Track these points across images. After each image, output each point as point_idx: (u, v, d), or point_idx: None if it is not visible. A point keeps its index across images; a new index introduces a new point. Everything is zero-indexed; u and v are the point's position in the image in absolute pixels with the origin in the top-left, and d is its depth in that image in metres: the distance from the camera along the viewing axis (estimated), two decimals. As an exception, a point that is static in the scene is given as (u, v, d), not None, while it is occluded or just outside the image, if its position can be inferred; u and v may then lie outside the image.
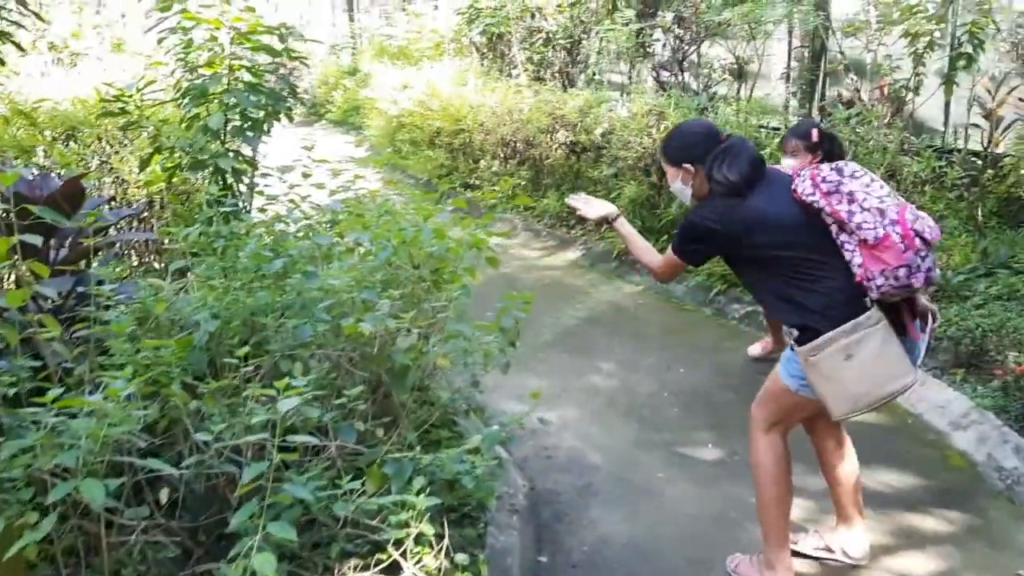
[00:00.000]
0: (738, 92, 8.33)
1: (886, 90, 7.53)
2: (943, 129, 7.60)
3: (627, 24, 7.99)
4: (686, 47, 8.85)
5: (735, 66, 8.99)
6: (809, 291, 2.73)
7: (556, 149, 8.07)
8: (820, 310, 2.71)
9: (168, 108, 4.43)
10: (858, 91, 7.03)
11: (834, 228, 2.71)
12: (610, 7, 8.43)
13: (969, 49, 7.14)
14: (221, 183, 3.91)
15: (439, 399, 3.43)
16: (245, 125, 4.00)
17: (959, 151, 6.69)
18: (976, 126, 7.18)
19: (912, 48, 7.38)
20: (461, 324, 2.95)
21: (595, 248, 7.53)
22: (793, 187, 2.80)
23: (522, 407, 4.75)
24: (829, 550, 3.24)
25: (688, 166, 2.91)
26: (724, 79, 9.17)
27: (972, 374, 4.35)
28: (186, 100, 4.01)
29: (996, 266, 5.64)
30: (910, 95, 7.58)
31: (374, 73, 13.89)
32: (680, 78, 8.87)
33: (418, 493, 2.31)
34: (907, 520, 3.52)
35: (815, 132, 4.42)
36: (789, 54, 8.97)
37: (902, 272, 2.58)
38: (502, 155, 9.07)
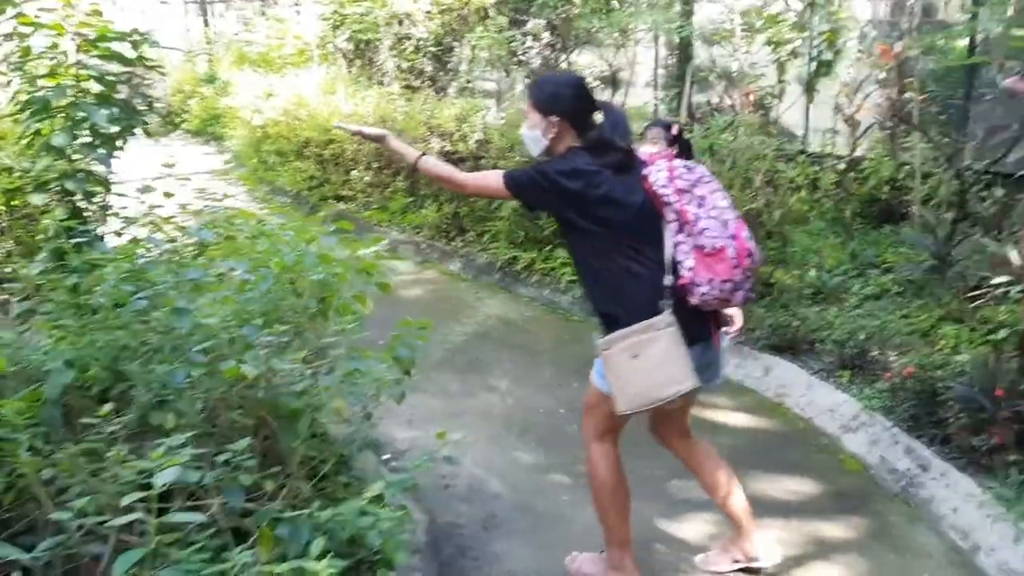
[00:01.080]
0: (612, 99, 8.38)
1: (752, 97, 7.75)
2: (802, 133, 7.90)
3: (500, 32, 7.88)
4: (558, 55, 8.85)
5: (607, 74, 9.07)
6: (625, 280, 2.73)
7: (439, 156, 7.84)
8: (627, 302, 2.72)
9: (4, 123, 3.94)
10: (731, 97, 7.19)
11: (673, 226, 2.72)
12: (482, 14, 8.30)
13: (828, 57, 7.46)
14: (70, 207, 3.49)
15: (329, 438, 3.17)
16: (95, 142, 3.58)
17: (828, 156, 6.94)
18: (836, 131, 7.50)
19: (776, 56, 7.63)
20: (354, 359, 2.70)
21: (477, 260, 7.37)
22: (645, 173, 2.77)
23: (414, 433, 4.54)
24: (737, 560, 3.20)
25: (554, 118, 2.79)
26: (596, 86, 9.24)
27: (857, 375, 4.44)
28: (26, 115, 3.56)
29: (865, 266, 5.86)
30: (775, 101, 7.84)
31: (235, 81, 13.24)
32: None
33: (319, 557, 2.06)
34: (811, 528, 3.51)
35: (676, 127, 4.57)
36: (656, 62, 9.12)
37: (727, 286, 2.65)
38: (376, 165, 8.78)
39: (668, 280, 2.70)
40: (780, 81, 7.64)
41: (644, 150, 4.67)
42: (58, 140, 3.36)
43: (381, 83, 9.77)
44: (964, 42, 6.47)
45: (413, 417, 4.59)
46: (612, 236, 2.73)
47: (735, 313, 3.04)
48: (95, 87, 3.59)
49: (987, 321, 4.50)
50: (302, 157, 10.12)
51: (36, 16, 3.60)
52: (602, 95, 8.98)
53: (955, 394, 3.66)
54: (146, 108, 3.95)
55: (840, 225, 6.42)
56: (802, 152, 6.72)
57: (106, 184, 3.83)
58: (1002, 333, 3.87)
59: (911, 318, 4.89)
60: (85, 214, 3.60)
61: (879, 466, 3.83)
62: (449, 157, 7.80)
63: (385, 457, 4.25)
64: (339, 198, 9.36)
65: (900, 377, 4.01)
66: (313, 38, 12.19)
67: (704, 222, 2.66)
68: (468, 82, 8.48)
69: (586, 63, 9.50)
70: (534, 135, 2.85)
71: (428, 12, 8.99)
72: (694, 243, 2.66)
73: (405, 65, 9.52)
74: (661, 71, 8.96)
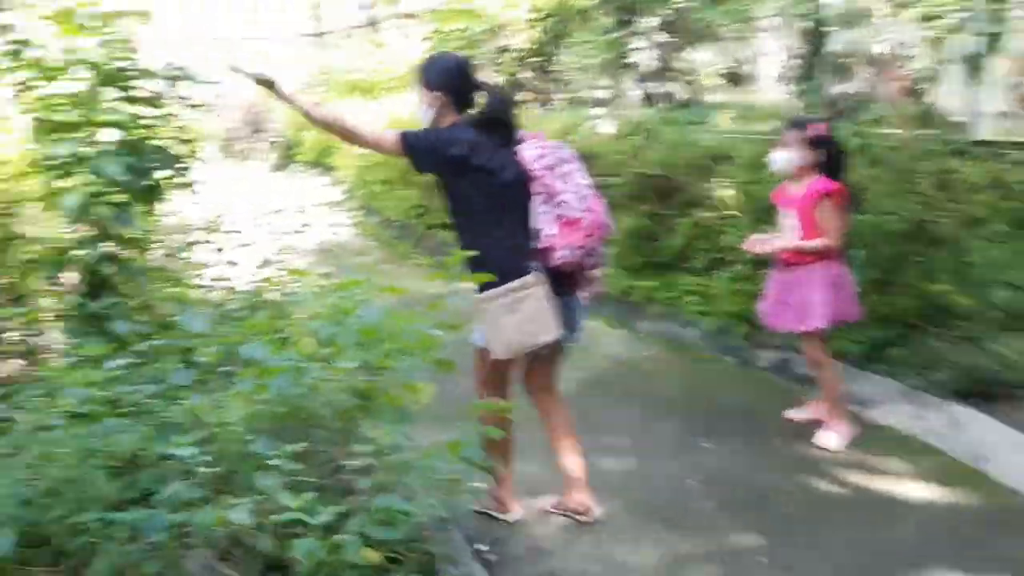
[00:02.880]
0: (736, 98, 7.43)
1: (902, 83, 6.65)
2: (964, 121, 6.70)
3: (605, 33, 7.10)
4: (672, 54, 7.98)
5: (729, 71, 8.13)
6: (495, 242, 3.04)
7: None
8: (499, 264, 2.98)
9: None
10: (878, 85, 6.14)
11: (540, 197, 3.05)
12: (584, 17, 7.54)
13: (997, 29, 6.28)
14: (91, 281, 2.95)
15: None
16: (119, 199, 3.05)
17: (1005, 144, 5.75)
18: (1011, 115, 6.29)
19: (930, 33, 6.51)
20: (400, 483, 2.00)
21: (591, 289, 6.59)
22: (518, 149, 3.08)
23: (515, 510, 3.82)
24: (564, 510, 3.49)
25: (439, 94, 3.10)
26: (716, 86, 8.33)
27: None
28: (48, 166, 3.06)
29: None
30: (930, 86, 6.70)
31: (340, 110, 13.00)
32: (668, 88, 7.97)
33: None
34: None
35: (815, 128, 3.90)
36: (786, 52, 8.10)
37: (580, 252, 3.05)
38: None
39: (534, 245, 3.06)
40: (938, 62, 6.49)
41: (779, 156, 3.89)
42: (71, 201, 2.84)
43: (483, 101, 9.18)
44: None
45: (514, 489, 3.87)
46: (486, 202, 3.06)
47: (596, 277, 3.28)
48: (115, 135, 3.06)
49: None
50: (407, 184, 9.64)
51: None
52: (728, 94, 8.06)
53: None
54: (188, 154, 3.42)
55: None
56: (977, 143, 5.55)
57: (142, 244, 3.32)
58: None
59: None
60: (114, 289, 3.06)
61: None
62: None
63: (480, 548, 3.54)
64: (446, 226, 8.79)
65: None
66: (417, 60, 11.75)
67: (565, 195, 3.02)
68: (574, 91, 7.73)
69: (705, 60, 8.59)
70: (422, 109, 3.15)
71: (528, 20, 8.32)
72: (556, 213, 3.02)
73: (506, 79, 8.89)
74: (793, 62, 7.93)
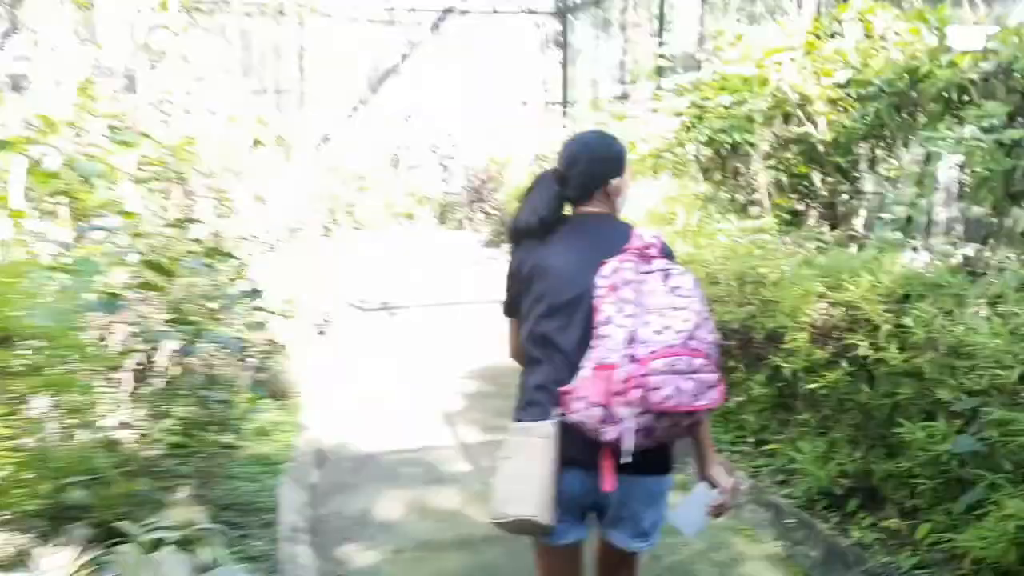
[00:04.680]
0: None
1: None
2: None
3: (989, 130, 4.08)
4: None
5: None
6: (532, 373, 2.36)
7: (824, 360, 4.16)
8: (523, 394, 2.38)
9: None
10: None
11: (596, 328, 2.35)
12: (949, 97, 4.55)
13: None
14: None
15: None
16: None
17: None
18: None
19: None
20: None
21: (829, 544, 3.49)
22: (605, 261, 2.29)
23: None
24: None
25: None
26: None
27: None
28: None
29: None
30: None
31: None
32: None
33: None
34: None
35: None
36: None
37: (596, 411, 2.12)
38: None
39: (567, 385, 2.23)
40: None
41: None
42: None
43: (745, 208, 6.36)
44: None
45: None
46: (533, 326, 2.36)
47: (713, 468, 2.35)
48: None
49: None
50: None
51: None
52: None
53: None
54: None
55: None
56: None
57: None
58: None
59: None
60: None
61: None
62: (862, 364, 4.04)
63: None
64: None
65: None
66: (662, 141, 9.22)
67: (608, 328, 2.15)
68: (909, 219, 4.73)
69: None
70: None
71: (838, 100, 5.44)
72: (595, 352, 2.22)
73: (789, 181, 6.05)
74: None
